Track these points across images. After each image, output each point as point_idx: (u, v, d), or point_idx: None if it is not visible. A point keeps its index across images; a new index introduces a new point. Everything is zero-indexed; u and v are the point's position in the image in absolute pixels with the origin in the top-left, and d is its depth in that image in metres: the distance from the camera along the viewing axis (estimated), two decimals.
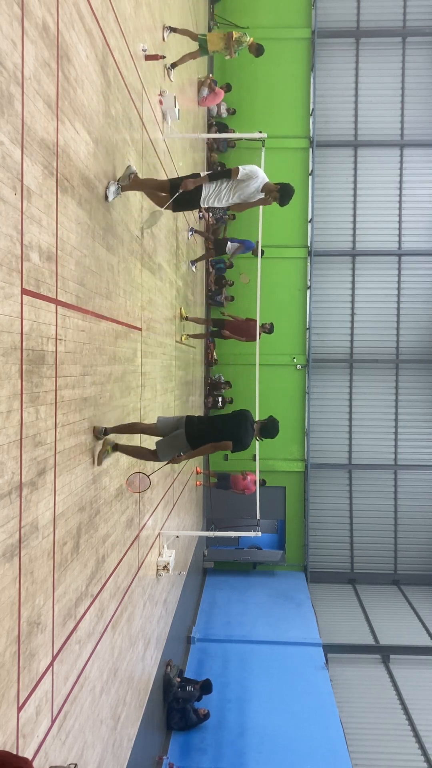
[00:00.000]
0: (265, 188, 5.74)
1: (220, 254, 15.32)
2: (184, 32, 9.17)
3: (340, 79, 18.27)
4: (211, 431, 5.39)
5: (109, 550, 5.40)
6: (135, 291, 6.47)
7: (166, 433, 5.45)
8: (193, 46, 9.97)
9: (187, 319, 11.16)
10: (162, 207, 5.77)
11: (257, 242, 12.71)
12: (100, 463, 4.98)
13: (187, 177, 5.70)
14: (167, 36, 8.41)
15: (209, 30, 17.34)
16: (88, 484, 4.68)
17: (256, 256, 12.26)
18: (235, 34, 9.65)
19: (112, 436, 5.17)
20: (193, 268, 11.83)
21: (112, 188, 5.22)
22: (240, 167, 5.58)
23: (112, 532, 5.52)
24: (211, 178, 5.59)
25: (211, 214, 16.11)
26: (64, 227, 4.01)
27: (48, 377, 3.74)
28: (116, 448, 5.25)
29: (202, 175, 5.66)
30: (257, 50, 9.95)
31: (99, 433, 4.86)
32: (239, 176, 5.55)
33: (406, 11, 17.95)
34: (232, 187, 5.64)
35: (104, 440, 4.99)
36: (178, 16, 9.97)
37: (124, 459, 5.97)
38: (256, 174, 5.64)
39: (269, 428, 5.62)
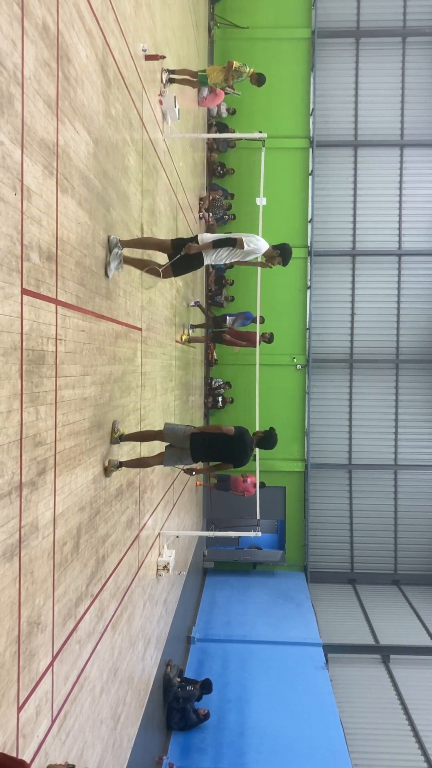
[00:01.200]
0: (267, 255, 5.84)
1: (218, 327, 15.50)
2: (182, 72, 9.08)
3: (340, 79, 18.27)
4: (214, 452, 5.79)
5: (109, 550, 5.40)
6: (135, 291, 6.47)
7: (173, 441, 5.76)
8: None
9: (189, 341, 11.24)
10: (160, 276, 5.69)
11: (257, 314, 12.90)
12: (108, 475, 5.28)
13: (190, 239, 5.65)
14: (166, 80, 8.35)
15: (209, 30, 17.36)
16: (88, 484, 4.68)
17: (256, 323, 12.47)
18: (235, 64, 9.55)
19: (115, 456, 5.48)
20: (191, 331, 12.04)
21: (113, 264, 5.17)
22: (245, 241, 5.51)
23: (112, 532, 5.52)
24: (216, 245, 5.55)
25: (210, 214, 16.12)
26: (64, 227, 4.01)
27: (48, 377, 3.74)
28: (121, 465, 5.53)
29: (201, 238, 5.59)
30: (258, 80, 9.84)
31: (115, 438, 5.33)
32: (244, 250, 5.54)
33: (406, 11, 17.95)
34: (232, 254, 5.63)
35: (109, 461, 5.28)
36: (178, 15, 9.98)
37: (124, 459, 5.97)
38: (259, 249, 5.65)
39: (266, 440, 5.97)
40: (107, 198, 5.16)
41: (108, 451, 5.32)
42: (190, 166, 12.35)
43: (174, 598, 10.30)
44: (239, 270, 17.52)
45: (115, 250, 5.21)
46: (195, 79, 9.30)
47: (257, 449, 6.56)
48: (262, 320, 12.80)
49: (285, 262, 5.96)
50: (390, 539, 18.29)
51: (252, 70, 9.75)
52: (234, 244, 5.50)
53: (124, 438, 5.59)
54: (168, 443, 5.84)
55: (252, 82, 9.88)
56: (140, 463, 5.94)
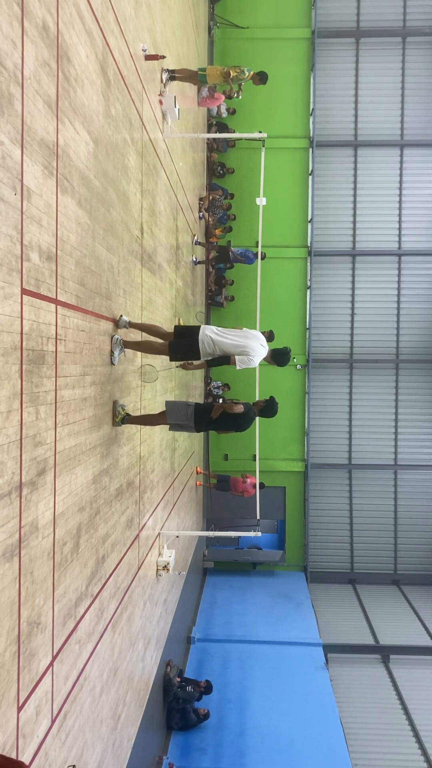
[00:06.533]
0: (265, 359, 6.08)
1: (222, 261, 15.46)
2: (183, 72, 9.11)
3: (340, 79, 18.27)
4: (218, 425, 6.00)
5: (109, 550, 5.40)
6: (135, 291, 6.47)
7: (176, 420, 5.96)
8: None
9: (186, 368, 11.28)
10: (156, 377, 6.06)
11: (256, 253, 12.93)
12: (116, 422, 5.50)
13: (187, 341, 5.81)
14: (166, 79, 8.37)
15: (209, 30, 17.36)
16: (88, 484, 4.68)
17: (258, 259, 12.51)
18: (233, 73, 9.56)
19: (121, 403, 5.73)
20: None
21: (116, 352, 5.39)
22: (238, 361, 5.72)
23: (112, 532, 5.52)
24: (210, 364, 5.85)
25: (210, 213, 16.12)
26: (64, 227, 4.01)
27: (48, 377, 3.74)
28: (125, 420, 5.68)
29: (201, 335, 5.76)
30: (261, 79, 9.86)
31: (118, 414, 5.47)
32: (237, 366, 5.80)
33: (406, 11, 17.96)
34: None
35: (115, 402, 5.45)
36: (178, 15, 9.98)
37: (124, 459, 5.97)
38: (253, 365, 5.88)
39: (268, 409, 6.10)
40: (107, 198, 5.16)
41: (110, 434, 5.32)
42: (190, 166, 12.35)
43: (174, 598, 10.30)
44: (239, 270, 17.54)
45: (116, 336, 5.43)
46: (194, 74, 9.36)
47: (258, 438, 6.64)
48: (264, 256, 12.69)
49: (280, 365, 6.24)
50: (390, 539, 18.29)
51: (252, 72, 9.77)
52: (229, 361, 5.77)
53: (127, 420, 5.68)
54: (171, 421, 5.99)
55: (255, 83, 9.91)
56: (147, 419, 6.12)
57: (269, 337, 12.96)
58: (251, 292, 16.29)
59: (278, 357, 6.09)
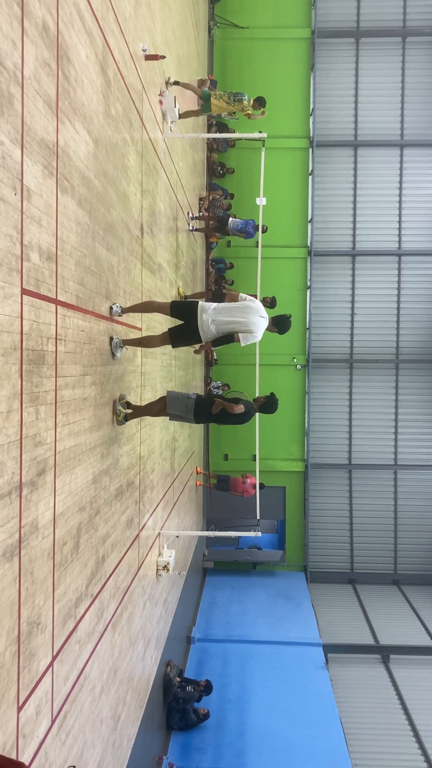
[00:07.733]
0: (267, 330, 6.08)
1: (220, 229, 15.29)
2: (187, 86, 9.27)
3: (340, 79, 18.27)
4: (218, 418, 6.03)
5: (109, 550, 5.40)
6: (135, 291, 6.47)
7: (177, 411, 5.99)
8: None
9: (186, 298, 10.98)
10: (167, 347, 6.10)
11: (258, 225, 12.87)
12: (118, 418, 5.54)
13: (186, 327, 5.78)
14: (170, 88, 8.47)
15: (209, 30, 17.36)
16: (88, 484, 4.68)
17: (258, 231, 12.45)
18: (236, 109, 9.84)
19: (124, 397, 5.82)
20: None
21: (117, 354, 5.43)
22: (242, 338, 5.69)
23: (112, 532, 5.52)
24: (215, 344, 5.84)
25: (210, 213, 16.11)
26: (64, 227, 4.01)
27: (48, 377, 3.74)
28: (129, 412, 5.73)
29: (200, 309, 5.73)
30: (260, 104, 10.18)
31: (120, 413, 5.48)
32: (241, 343, 5.77)
33: (406, 11, 17.96)
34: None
35: (114, 401, 5.48)
36: (178, 15, 9.98)
37: (124, 459, 5.98)
38: (257, 340, 5.87)
39: (268, 406, 6.11)
40: (107, 198, 5.16)
41: (110, 433, 5.32)
42: (190, 166, 12.35)
43: (174, 598, 10.30)
44: (239, 270, 17.55)
45: (115, 339, 5.43)
46: (198, 95, 9.62)
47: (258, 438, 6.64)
48: (265, 229, 12.63)
49: (282, 332, 6.20)
50: (390, 539, 18.29)
51: (251, 101, 10.02)
52: (233, 339, 5.75)
53: (129, 417, 5.72)
54: (171, 412, 5.98)
55: (255, 109, 10.17)
56: (149, 407, 6.13)
57: (272, 303, 12.82)
58: (251, 292, 16.27)
59: (279, 324, 6.06)
